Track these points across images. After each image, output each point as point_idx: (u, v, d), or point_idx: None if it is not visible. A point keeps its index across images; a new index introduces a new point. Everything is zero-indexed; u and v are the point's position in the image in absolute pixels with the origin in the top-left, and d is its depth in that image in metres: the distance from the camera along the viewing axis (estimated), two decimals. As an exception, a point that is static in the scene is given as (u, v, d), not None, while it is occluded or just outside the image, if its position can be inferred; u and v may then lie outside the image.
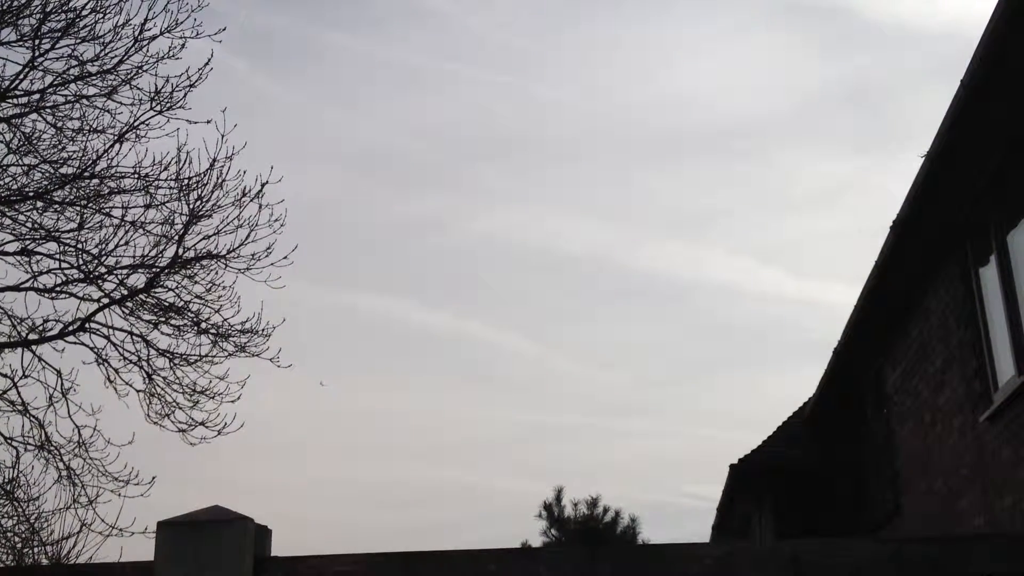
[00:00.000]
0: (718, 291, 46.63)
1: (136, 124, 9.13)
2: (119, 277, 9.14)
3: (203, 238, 9.24)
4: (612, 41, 37.71)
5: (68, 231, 9.05)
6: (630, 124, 41.75)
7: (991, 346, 8.56)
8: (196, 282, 9.28)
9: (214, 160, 9.14)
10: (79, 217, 9.05)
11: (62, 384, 8.86)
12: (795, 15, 38.70)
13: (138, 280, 9.18)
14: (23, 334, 8.93)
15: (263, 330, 9.44)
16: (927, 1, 39.00)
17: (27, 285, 8.97)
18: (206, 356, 9.32)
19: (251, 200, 9.28)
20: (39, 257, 9.05)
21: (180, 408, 9.25)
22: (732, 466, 14.41)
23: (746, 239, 43.82)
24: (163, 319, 9.23)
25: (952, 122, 7.38)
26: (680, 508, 45.90)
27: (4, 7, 8.68)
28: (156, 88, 9.10)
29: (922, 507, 10.40)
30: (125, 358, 9.17)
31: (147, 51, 9.10)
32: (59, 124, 9.08)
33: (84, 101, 9.11)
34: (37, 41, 8.85)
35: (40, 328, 8.93)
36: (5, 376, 8.81)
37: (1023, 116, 7.20)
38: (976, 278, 8.82)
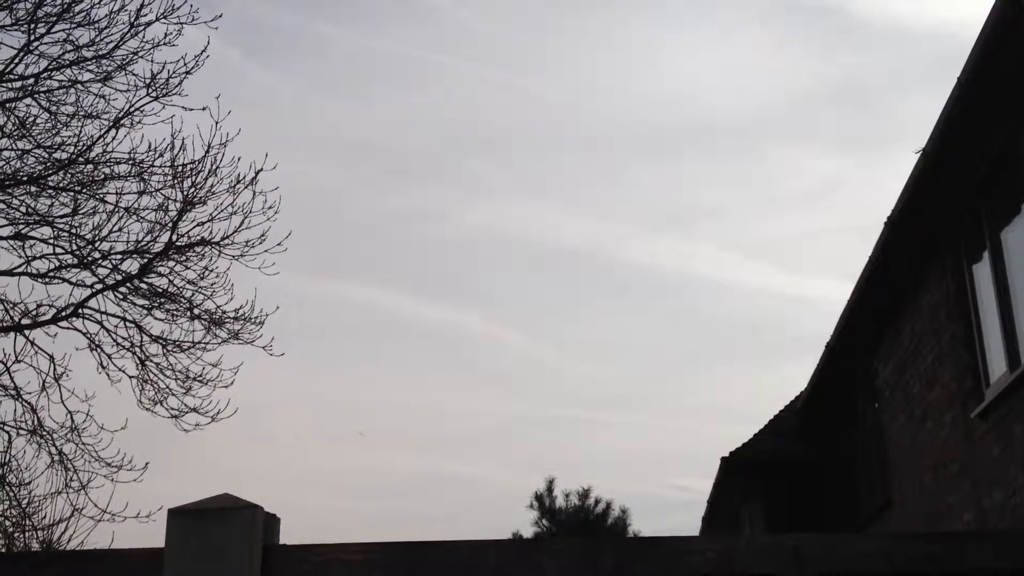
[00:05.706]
0: (709, 286, 46.75)
1: (131, 110, 9.11)
2: (113, 263, 9.13)
3: (197, 224, 9.24)
4: (608, 38, 37.72)
5: (62, 216, 9.03)
6: (624, 120, 41.77)
7: (983, 342, 8.60)
8: (189, 268, 9.28)
9: (208, 147, 9.13)
10: (73, 202, 9.04)
11: (55, 369, 8.86)
12: (787, 13, 38.75)
13: (132, 266, 9.18)
14: (16, 319, 8.91)
15: (256, 317, 9.45)
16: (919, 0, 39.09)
17: (21, 270, 8.96)
18: (199, 343, 9.32)
19: (245, 187, 9.29)
20: (33, 242, 9.04)
21: (173, 394, 9.27)
22: (723, 459, 14.44)
23: (737, 235, 43.92)
24: (156, 304, 9.22)
25: (948, 118, 7.39)
26: (670, 501, 46.08)
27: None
28: (152, 74, 9.08)
29: (912, 502, 10.44)
30: (118, 344, 9.17)
31: (143, 37, 9.09)
32: (54, 109, 9.06)
33: (79, 86, 9.10)
34: (32, 25, 8.83)
35: (33, 313, 8.92)
36: (-2, 360, 8.80)
37: (1018, 112, 7.23)
38: (969, 274, 8.85)
